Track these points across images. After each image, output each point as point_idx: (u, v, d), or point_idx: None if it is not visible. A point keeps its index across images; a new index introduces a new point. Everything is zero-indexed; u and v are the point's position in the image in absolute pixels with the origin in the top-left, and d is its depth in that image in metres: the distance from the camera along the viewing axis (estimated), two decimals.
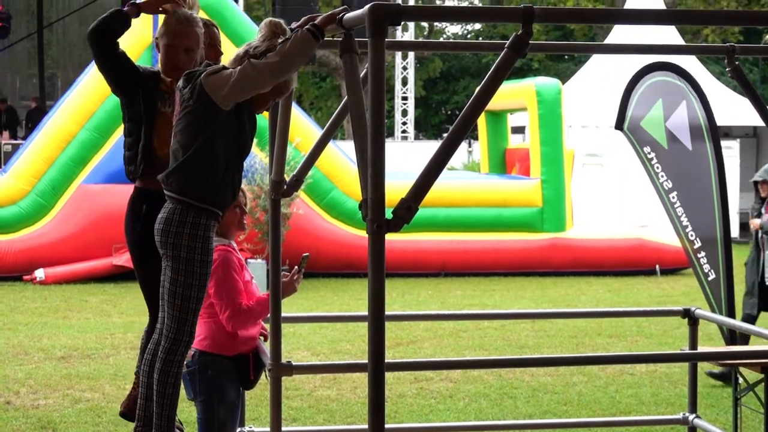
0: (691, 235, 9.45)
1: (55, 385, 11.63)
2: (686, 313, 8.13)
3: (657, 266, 21.37)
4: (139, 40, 19.83)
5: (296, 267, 6.72)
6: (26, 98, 36.85)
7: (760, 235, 11.98)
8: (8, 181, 19.79)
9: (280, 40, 5.28)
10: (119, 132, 19.43)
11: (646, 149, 9.45)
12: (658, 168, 9.46)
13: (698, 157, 9.34)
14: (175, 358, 5.36)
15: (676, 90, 9.31)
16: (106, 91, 19.61)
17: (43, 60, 37.00)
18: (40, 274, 19.15)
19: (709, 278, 9.36)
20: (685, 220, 9.46)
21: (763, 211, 12.04)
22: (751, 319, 11.86)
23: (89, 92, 19.92)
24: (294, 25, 5.43)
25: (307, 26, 5.09)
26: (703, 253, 9.42)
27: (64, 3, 38.04)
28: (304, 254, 6.92)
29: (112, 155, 19.47)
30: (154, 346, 5.52)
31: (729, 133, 30.09)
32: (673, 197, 9.47)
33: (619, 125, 9.41)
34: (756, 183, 12.28)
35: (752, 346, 9.20)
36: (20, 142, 24.38)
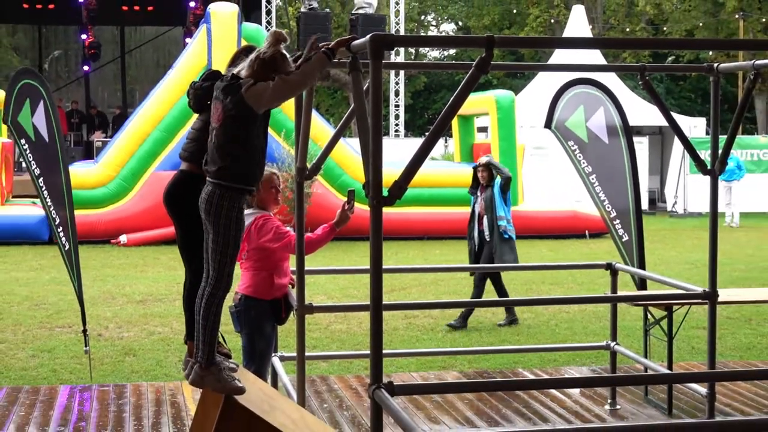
0: (608, 207, 9.42)
1: (135, 322, 11.65)
2: (608, 266, 8.14)
3: (586, 232, 21.37)
4: (196, 62, 19.78)
5: (344, 202, 6.71)
6: (112, 106, 36.76)
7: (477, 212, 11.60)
8: (99, 169, 19.82)
9: (282, 45, 5.21)
10: (183, 131, 19.48)
11: (570, 143, 9.43)
12: (580, 157, 9.44)
13: (614, 149, 9.32)
14: (214, 300, 5.30)
15: (594, 99, 9.29)
16: (173, 100, 19.66)
17: (125, 77, 36.95)
18: (123, 239, 19.19)
19: (623, 239, 9.34)
20: (602, 196, 9.43)
21: (478, 193, 11.63)
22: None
23: (160, 102, 19.93)
24: (310, 39, 5.37)
25: (323, 49, 5.06)
26: (618, 221, 9.40)
27: (141, 34, 37.92)
28: (350, 189, 6.91)
29: (179, 149, 19.45)
30: (202, 291, 5.49)
31: (640, 131, 30.02)
32: (593, 179, 9.45)
33: (547, 125, 9.44)
34: (475, 168, 11.75)
35: (658, 290, 9.19)
36: (108, 140, 24.37)
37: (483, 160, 11.71)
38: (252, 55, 5.23)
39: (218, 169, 5.23)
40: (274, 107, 5.30)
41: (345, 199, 6.78)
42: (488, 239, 11.46)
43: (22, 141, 8.71)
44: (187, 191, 5.53)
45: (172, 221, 5.72)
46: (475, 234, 11.58)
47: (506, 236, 11.50)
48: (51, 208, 8.75)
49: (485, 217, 11.50)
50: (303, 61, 5.16)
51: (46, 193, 8.76)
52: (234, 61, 5.68)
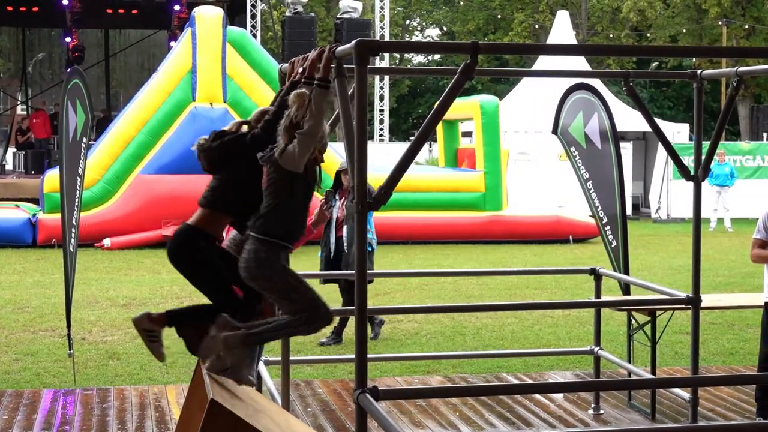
0: (601, 213, 9.48)
1: (118, 326, 11.62)
2: (592, 272, 8.16)
3: (570, 237, 21.42)
4: (181, 65, 19.75)
5: (322, 202, 6.74)
6: (96, 110, 36.57)
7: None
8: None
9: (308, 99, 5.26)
10: (168, 134, 19.47)
11: (572, 149, 9.47)
12: (579, 163, 9.49)
13: (605, 155, 9.37)
14: (303, 329, 5.29)
15: (591, 104, 9.32)
16: (158, 104, 19.64)
17: (109, 81, 36.83)
18: (107, 242, 19.13)
19: (613, 245, 9.40)
20: (597, 202, 9.48)
21: (337, 197, 10.64)
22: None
23: (144, 105, 19.88)
24: (297, 59, 5.39)
25: (317, 83, 5.07)
26: (608, 227, 9.45)
27: (125, 37, 37.85)
28: (327, 189, 6.95)
29: (162, 152, 19.46)
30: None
31: (624, 137, 30.07)
32: (589, 185, 9.49)
33: (554, 131, 9.46)
34: (339, 172, 10.69)
35: (642, 296, 9.22)
36: (92, 143, 24.28)
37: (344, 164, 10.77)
38: (285, 120, 5.27)
39: (262, 224, 5.29)
40: (306, 160, 5.31)
41: (325, 194, 6.83)
42: (346, 249, 10.60)
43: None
44: (187, 251, 5.57)
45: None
46: (332, 241, 10.73)
47: (369, 249, 10.68)
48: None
49: (345, 225, 10.67)
50: (308, 103, 5.17)
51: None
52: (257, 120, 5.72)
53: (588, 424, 7.88)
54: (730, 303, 9.43)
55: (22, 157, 28.43)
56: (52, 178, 18.63)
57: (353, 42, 4.28)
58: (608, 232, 9.42)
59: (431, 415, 8.02)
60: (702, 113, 6.54)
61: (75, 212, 9.02)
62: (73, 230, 8.92)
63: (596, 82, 28.43)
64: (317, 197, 5.85)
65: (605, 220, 9.44)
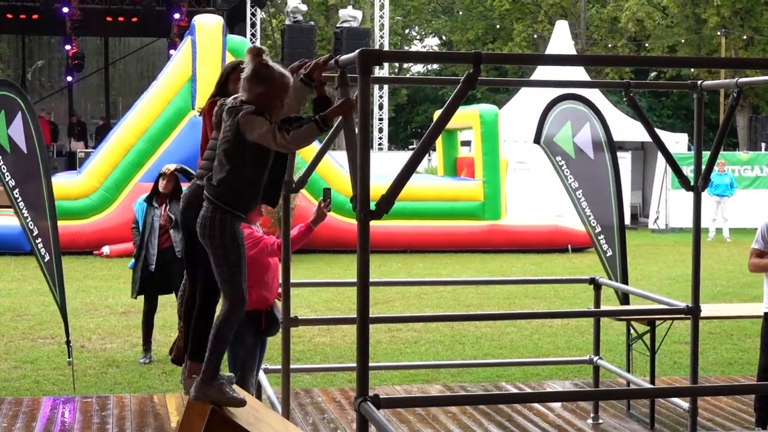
0: (593, 222, 9.48)
1: (117, 333, 11.62)
2: (592, 281, 8.17)
3: (569, 246, 21.43)
4: (180, 73, 19.77)
5: (320, 200, 6.73)
6: (95, 117, 36.68)
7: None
8: (82, 180, 19.78)
9: (264, 55, 5.19)
10: (167, 142, 19.49)
11: (558, 158, 9.48)
12: (567, 172, 9.49)
13: (599, 165, 9.39)
14: (230, 321, 5.26)
15: (581, 114, 9.34)
16: (157, 112, 19.67)
17: (108, 89, 36.89)
18: (106, 250, 19.15)
19: (608, 254, 9.41)
20: (588, 211, 9.49)
21: (155, 205, 10.19)
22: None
23: (144, 113, 19.92)
24: (295, 65, 5.39)
25: (314, 119, 5.03)
26: (602, 236, 9.46)
27: (125, 45, 37.89)
28: (325, 187, 6.93)
29: (162, 161, 19.42)
30: (188, 297, 5.58)
31: (623, 146, 30.10)
32: (579, 194, 9.50)
33: (536, 140, 9.47)
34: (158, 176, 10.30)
35: (641, 305, 9.23)
36: (91, 150, 24.34)
37: (171, 167, 10.27)
38: (242, 78, 5.23)
39: (213, 187, 5.23)
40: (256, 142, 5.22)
41: (324, 192, 6.85)
42: (180, 255, 9.55)
43: None
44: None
45: (182, 232, 5.67)
46: (153, 252, 10.04)
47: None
48: (28, 219, 8.73)
49: (172, 231, 10.00)
50: (296, 127, 5.10)
51: (22, 204, 8.74)
52: (222, 81, 5.70)
53: None
54: (730, 313, 9.44)
55: None
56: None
57: (357, 51, 4.29)
58: (602, 242, 9.44)
59: (430, 424, 8.02)
60: (702, 123, 6.55)
61: (47, 221, 8.83)
62: (39, 239, 8.76)
63: (596, 92, 28.53)
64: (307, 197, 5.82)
65: (598, 230, 9.46)
